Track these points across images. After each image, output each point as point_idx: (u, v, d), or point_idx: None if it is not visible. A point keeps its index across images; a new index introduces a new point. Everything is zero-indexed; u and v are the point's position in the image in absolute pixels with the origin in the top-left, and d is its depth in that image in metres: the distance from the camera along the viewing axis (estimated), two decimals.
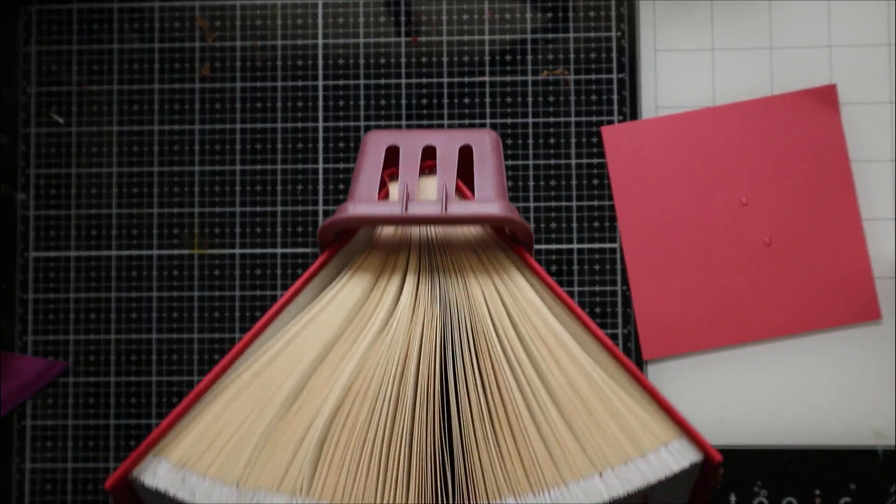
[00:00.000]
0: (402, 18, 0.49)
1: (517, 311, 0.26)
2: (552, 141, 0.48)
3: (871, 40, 0.48)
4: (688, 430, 0.24)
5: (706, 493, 0.25)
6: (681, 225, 0.47)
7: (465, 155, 0.29)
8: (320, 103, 0.48)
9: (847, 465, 0.46)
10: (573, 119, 0.48)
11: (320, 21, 0.49)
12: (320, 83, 0.49)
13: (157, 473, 0.23)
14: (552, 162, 0.48)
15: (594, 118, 0.48)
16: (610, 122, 0.48)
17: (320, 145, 0.48)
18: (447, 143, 0.29)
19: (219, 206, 0.48)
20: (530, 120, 0.48)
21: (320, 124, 0.48)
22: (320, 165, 0.48)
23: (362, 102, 0.48)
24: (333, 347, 0.25)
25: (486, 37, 0.49)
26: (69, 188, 0.49)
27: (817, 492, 0.46)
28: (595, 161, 0.48)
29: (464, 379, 0.24)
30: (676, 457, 0.24)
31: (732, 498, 0.46)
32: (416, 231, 0.28)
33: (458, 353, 0.25)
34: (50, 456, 0.48)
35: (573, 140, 0.48)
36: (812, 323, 0.47)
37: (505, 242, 0.28)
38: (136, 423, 0.48)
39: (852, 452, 0.46)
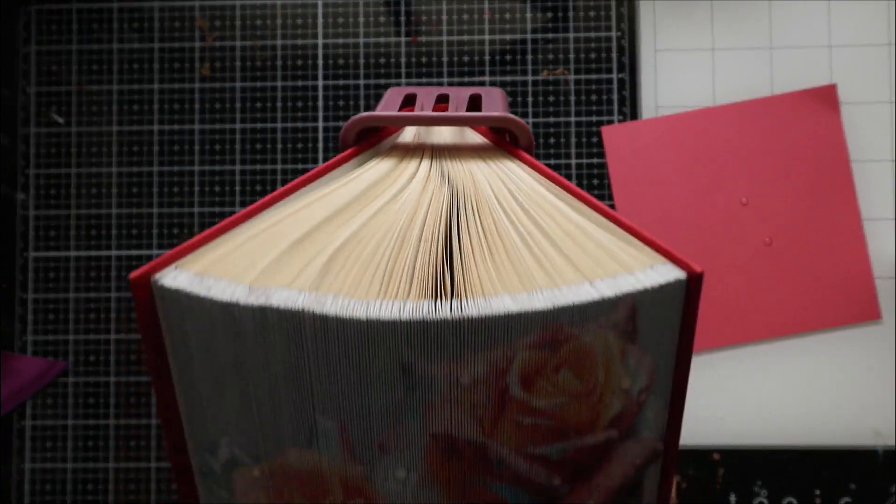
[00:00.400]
0: (402, 18, 0.49)
1: (515, 187, 0.29)
2: (552, 141, 0.48)
3: (871, 40, 0.48)
4: (671, 256, 0.26)
5: (693, 317, 0.27)
6: (681, 225, 0.47)
7: (475, 104, 0.32)
8: (320, 103, 0.48)
9: (847, 465, 0.46)
10: (573, 119, 0.48)
11: (320, 21, 0.49)
12: (320, 83, 0.49)
13: (176, 278, 0.25)
14: (552, 162, 0.48)
15: (594, 118, 0.48)
16: (610, 122, 0.48)
17: (320, 145, 0.48)
18: (459, 91, 0.33)
19: (218, 206, 0.48)
20: (530, 120, 0.48)
21: (320, 124, 0.48)
22: (320, 165, 0.48)
23: (362, 102, 0.48)
24: (351, 205, 0.28)
25: (486, 37, 0.49)
26: (69, 188, 0.49)
27: (817, 492, 0.46)
28: (595, 161, 0.48)
29: (466, 227, 0.27)
30: (662, 273, 0.25)
31: (732, 498, 0.46)
32: (431, 139, 0.31)
33: (462, 210, 0.28)
34: (50, 456, 0.48)
35: (573, 140, 0.48)
36: (812, 323, 0.47)
37: (507, 149, 0.31)
38: (135, 423, 0.48)
39: (852, 452, 0.46)
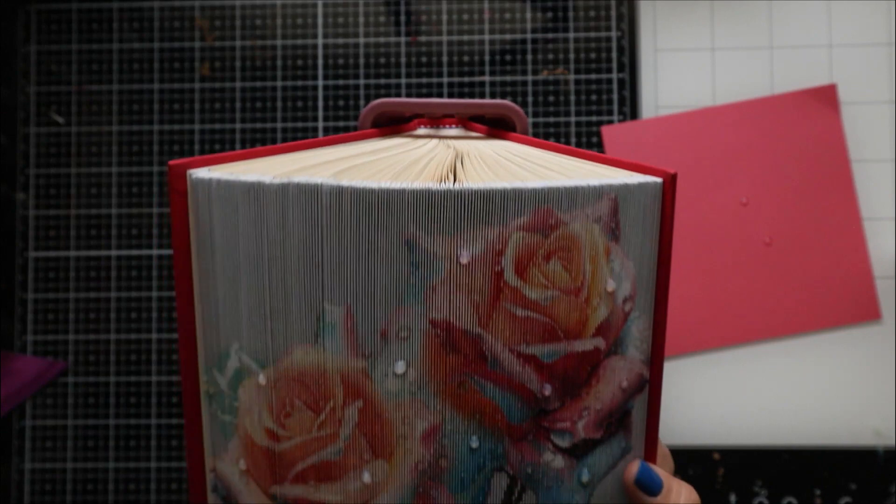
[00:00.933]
0: (402, 18, 0.49)
1: (513, 150, 0.33)
2: (552, 140, 0.48)
3: (871, 40, 0.48)
4: (649, 169, 0.29)
5: (670, 227, 0.30)
6: (681, 225, 0.47)
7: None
8: (320, 103, 0.48)
9: (847, 465, 0.46)
10: (573, 119, 0.48)
11: (320, 21, 0.49)
12: (320, 83, 0.49)
13: (209, 173, 0.28)
14: None
15: (594, 118, 0.48)
16: (610, 122, 0.48)
17: None
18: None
19: None
20: (530, 120, 0.48)
21: (320, 124, 0.48)
22: None
23: (362, 102, 0.48)
24: (368, 153, 0.31)
25: (486, 37, 0.49)
26: (69, 188, 0.49)
27: (817, 492, 0.46)
28: None
29: (470, 162, 0.30)
30: (640, 178, 0.29)
31: (732, 498, 0.46)
32: (439, 135, 0.36)
33: (466, 157, 0.31)
34: (50, 456, 0.48)
35: (573, 140, 0.48)
36: (812, 323, 0.47)
37: (504, 136, 0.35)
38: (135, 422, 0.48)
39: (852, 452, 0.46)
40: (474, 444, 0.29)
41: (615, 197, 0.28)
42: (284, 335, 0.28)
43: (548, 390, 0.29)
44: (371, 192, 0.26)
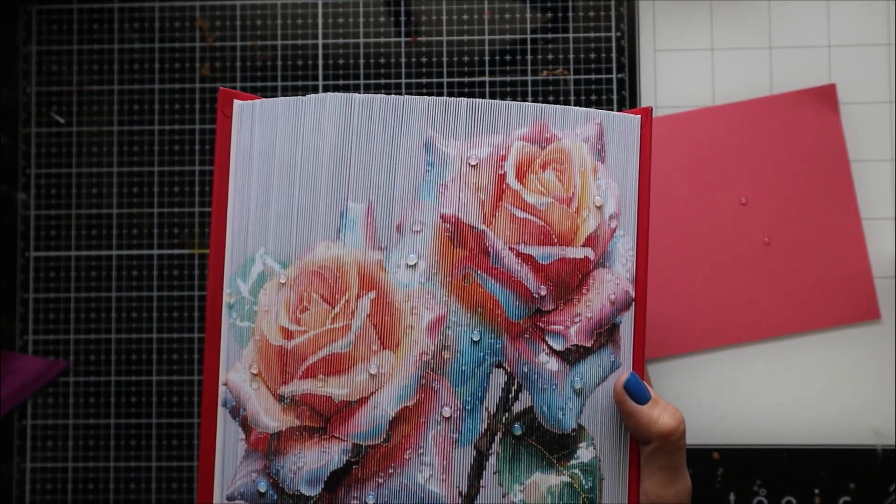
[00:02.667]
0: (402, 18, 0.49)
1: None
2: None
3: (870, 40, 0.48)
4: (628, 111, 0.34)
5: (648, 155, 0.33)
6: (681, 225, 0.47)
7: None
8: None
9: (847, 465, 0.46)
10: None
11: (320, 21, 0.49)
12: (320, 83, 0.49)
13: (252, 101, 0.33)
14: None
15: None
16: None
17: None
18: None
19: None
20: None
21: None
22: None
23: None
24: None
25: (486, 37, 0.49)
26: (69, 188, 0.49)
27: (817, 491, 0.46)
28: None
29: None
30: (621, 115, 0.33)
31: (732, 497, 0.46)
32: None
33: None
34: (50, 455, 0.48)
35: None
36: (812, 323, 0.47)
37: None
38: (135, 422, 0.48)
39: (852, 452, 0.46)
40: (475, 338, 0.32)
41: (600, 122, 0.33)
42: (309, 233, 0.32)
43: (543, 291, 0.32)
44: (398, 99, 0.32)
